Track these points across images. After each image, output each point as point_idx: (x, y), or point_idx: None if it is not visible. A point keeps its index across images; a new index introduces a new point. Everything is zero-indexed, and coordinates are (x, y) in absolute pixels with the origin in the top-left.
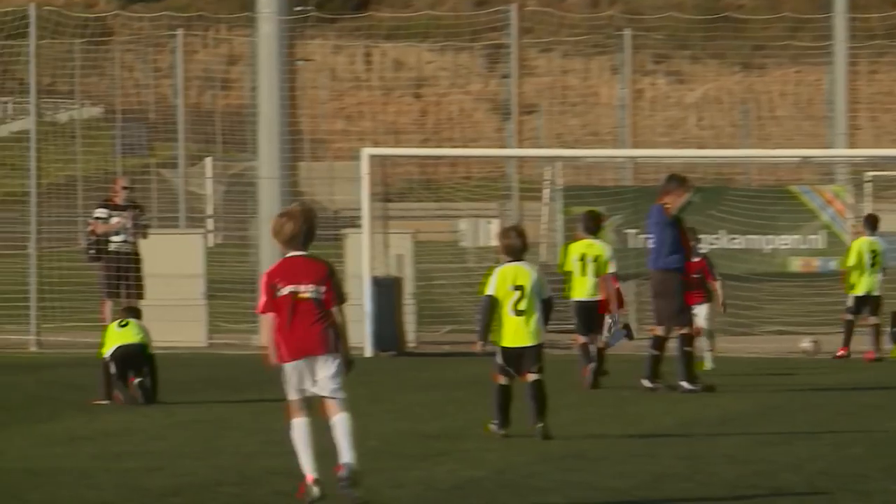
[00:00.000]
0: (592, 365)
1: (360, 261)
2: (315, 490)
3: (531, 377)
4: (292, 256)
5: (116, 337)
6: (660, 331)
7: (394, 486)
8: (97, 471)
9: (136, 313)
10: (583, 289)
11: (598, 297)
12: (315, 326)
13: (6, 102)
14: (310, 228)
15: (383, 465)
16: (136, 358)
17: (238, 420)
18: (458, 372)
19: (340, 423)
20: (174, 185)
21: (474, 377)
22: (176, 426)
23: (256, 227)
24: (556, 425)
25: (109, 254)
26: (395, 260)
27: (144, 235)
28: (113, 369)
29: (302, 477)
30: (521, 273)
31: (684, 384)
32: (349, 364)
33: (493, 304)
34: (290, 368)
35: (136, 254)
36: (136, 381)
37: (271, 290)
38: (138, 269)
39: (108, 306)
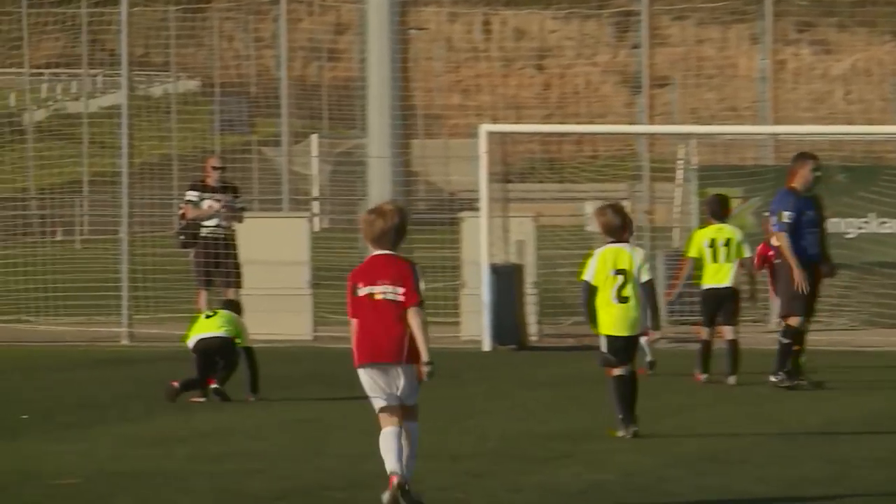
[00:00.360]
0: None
1: (478, 247)
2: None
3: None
4: (376, 255)
5: (200, 327)
6: (793, 321)
7: (512, 490)
8: (192, 474)
9: (234, 306)
10: (714, 275)
11: (730, 284)
12: (390, 331)
13: (96, 75)
14: (401, 227)
15: (501, 467)
16: (219, 351)
17: (344, 419)
18: (584, 367)
19: (407, 433)
20: (277, 164)
21: (601, 373)
22: (278, 426)
23: (365, 210)
24: (687, 426)
25: (201, 240)
26: (515, 246)
27: (240, 219)
28: (195, 362)
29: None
30: (622, 255)
31: (775, 377)
32: (430, 366)
33: (592, 290)
34: (364, 373)
35: (231, 240)
36: (213, 386)
37: (352, 291)
38: (234, 256)
39: (204, 296)
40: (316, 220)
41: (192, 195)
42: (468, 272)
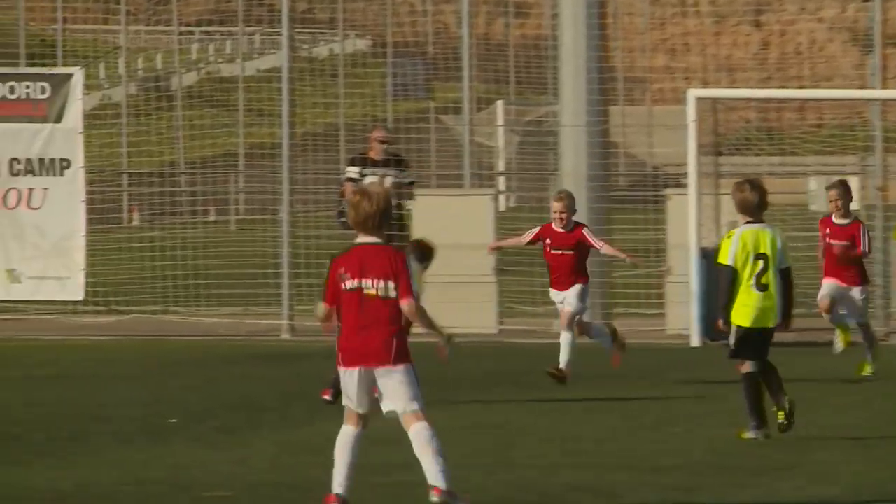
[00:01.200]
0: None
1: (686, 228)
2: None
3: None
4: (364, 245)
5: None
6: None
7: None
8: (359, 485)
9: None
10: None
11: None
12: (381, 332)
13: (253, 34)
14: (387, 211)
15: (710, 480)
16: None
17: (534, 424)
18: (808, 366)
19: (417, 436)
20: (457, 134)
21: (828, 372)
22: (459, 431)
23: (558, 185)
24: None
25: None
26: (727, 227)
27: (410, 196)
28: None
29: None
30: (762, 238)
31: None
32: (448, 341)
33: (734, 276)
34: (346, 376)
35: (400, 221)
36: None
37: (337, 279)
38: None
39: None
40: (501, 197)
41: (352, 171)
42: (675, 257)
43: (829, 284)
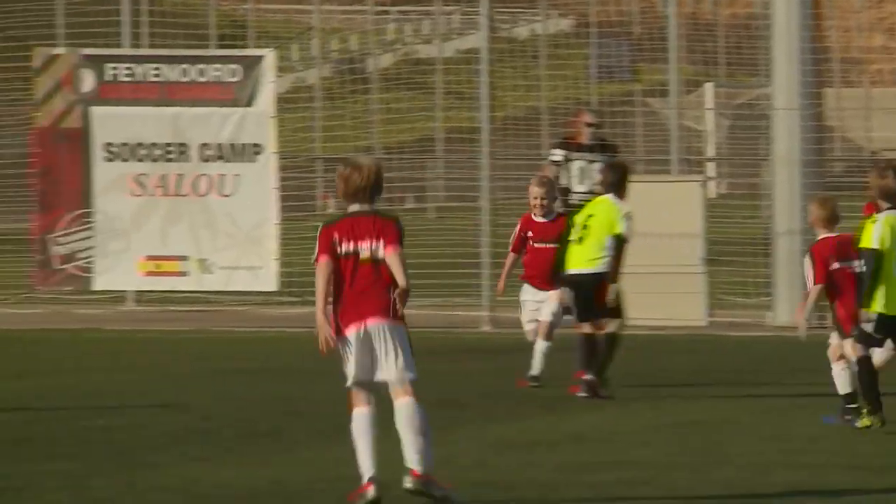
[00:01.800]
0: None
1: None
2: (371, 494)
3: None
4: (358, 213)
5: None
6: None
7: None
8: (564, 484)
9: None
10: None
11: None
12: (377, 293)
13: (451, 13)
14: (378, 184)
15: None
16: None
17: (748, 422)
18: None
19: (401, 410)
20: (664, 118)
21: None
22: (667, 429)
23: (771, 172)
24: None
25: (573, 208)
26: None
27: None
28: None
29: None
30: None
31: None
32: (405, 293)
33: (880, 260)
34: (347, 342)
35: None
36: (586, 377)
37: (330, 245)
38: None
39: None
40: (711, 184)
41: (557, 155)
42: None
43: None
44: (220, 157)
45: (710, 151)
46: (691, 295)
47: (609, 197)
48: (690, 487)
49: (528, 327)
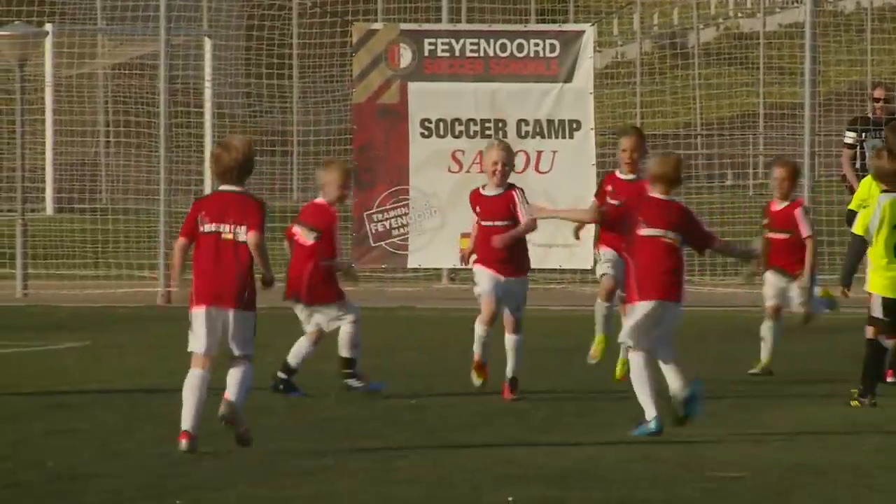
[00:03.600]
0: None
1: None
2: (184, 445)
3: None
4: (225, 192)
5: None
6: None
7: None
8: (879, 469)
9: None
10: None
11: None
12: (232, 275)
13: None
14: (245, 162)
15: None
16: None
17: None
18: None
19: (235, 373)
20: None
21: None
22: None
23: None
24: None
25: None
26: None
27: None
28: None
29: None
30: None
31: None
32: (269, 283)
33: (863, 246)
34: (196, 316)
35: None
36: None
37: (194, 223)
38: None
39: None
40: None
41: (849, 136)
42: None
43: None
44: (539, 134)
45: None
46: None
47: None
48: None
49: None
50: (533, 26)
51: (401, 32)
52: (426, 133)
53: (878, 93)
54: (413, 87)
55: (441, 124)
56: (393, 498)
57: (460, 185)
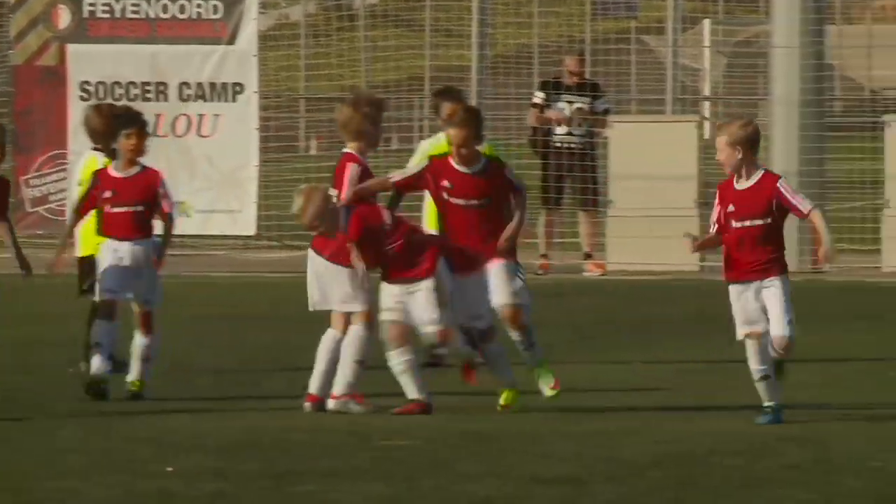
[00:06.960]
0: None
1: None
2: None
3: None
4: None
5: None
6: None
7: None
8: (552, 435)
9: None
10: None
11: None
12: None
13: None
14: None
15: None
16: None
17: (738, 368)
18: None
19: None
20: (660, 56)
21: None
22: (659, 378)
23: (768, 112)
24: None
25: (552, 150)
26: None
27: (602, 124)
28: None
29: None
30: None
31: None
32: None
33: None
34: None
35: (589, 150)
36: None
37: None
38: (591, 170)
39: (541, 220)
40: (707, 124)
41: (538, 97)
42: (893, 189)
43: None
44: (201, 97)
45: (707, 91)
46: (684, 239)
47: None
48: (678, 438)
49: None
50: None
51: None
52: (86, 96)
53: (573, 65)
54: (73, 48)
55: (101, 87)
56: (57, 463)
57: None
